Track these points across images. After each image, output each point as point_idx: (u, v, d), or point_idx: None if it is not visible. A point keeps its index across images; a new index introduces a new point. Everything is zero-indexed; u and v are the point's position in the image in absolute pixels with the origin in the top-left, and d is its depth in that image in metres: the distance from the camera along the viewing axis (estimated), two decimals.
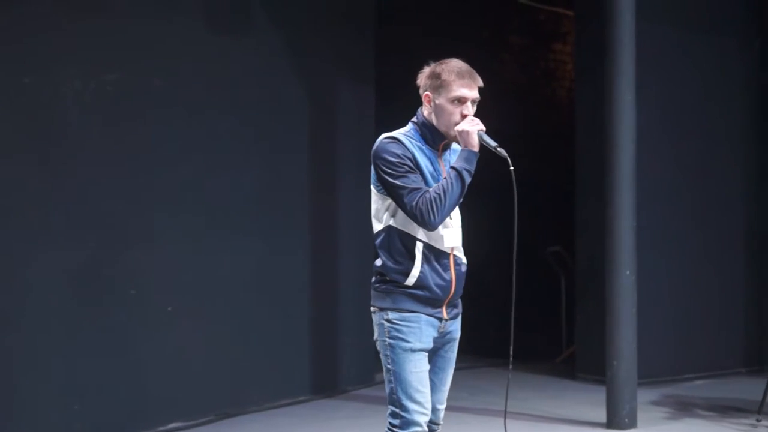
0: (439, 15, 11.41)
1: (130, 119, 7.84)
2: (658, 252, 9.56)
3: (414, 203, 4.52)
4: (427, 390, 4.70)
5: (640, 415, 8.06)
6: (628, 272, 7.94)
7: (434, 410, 4.83)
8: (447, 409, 4.88)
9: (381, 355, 4.74)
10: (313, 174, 9.22)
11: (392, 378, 4.68)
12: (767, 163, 10.46)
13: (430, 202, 4.51)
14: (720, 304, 10.15)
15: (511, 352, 4.89)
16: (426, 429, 4.71)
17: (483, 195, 10.09)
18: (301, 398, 9.05)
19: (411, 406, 4.65)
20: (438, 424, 4.90)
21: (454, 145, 4.83)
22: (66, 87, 7.49)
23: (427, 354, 4.72)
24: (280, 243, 8.91)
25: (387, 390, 4.72)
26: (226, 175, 8.48)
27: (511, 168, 4.63)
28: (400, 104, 10.04)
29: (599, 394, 8.65)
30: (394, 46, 10.38)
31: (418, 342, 4.65)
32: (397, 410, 4.67)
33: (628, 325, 7.96)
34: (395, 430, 4.68)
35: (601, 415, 8.16)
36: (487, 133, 4.68)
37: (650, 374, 9.18)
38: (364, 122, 9.59)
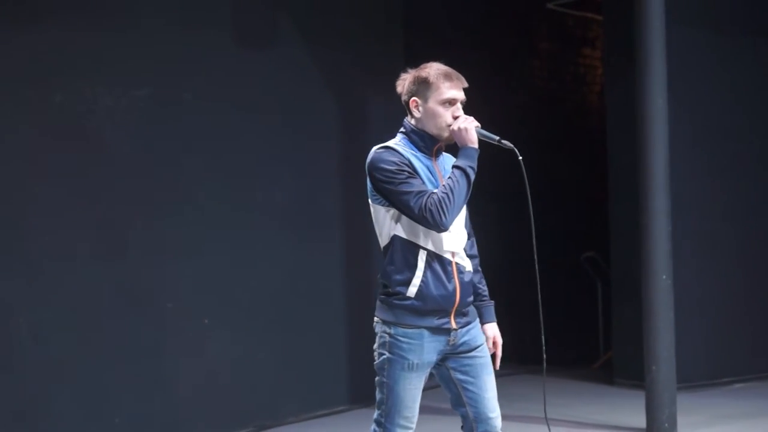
0: (467, 25, 11.39)
1: (162, 133, 7.88)
2: (694, 256, 9.51)
3: (423, 205, 4.47)
4: (417, 406, 4.70)
5: (680, 420, 8.01)
6: (664, 277, 7.90)
7: (486, 419, 4.77)
8: (444, 413, 4.84)
9: (376, 365, 4.75)
10: (345, 184, 9.21)
11: (385, 390, 4.71)
12: None
13: (439, 202, 4.47)
14: (757, 306, 10.09)
15: (544, 356, 4.88)
16: None
17: (511, 200, 10.12)
18: (339, 408, 9.05)
19: (398, 420, 4.68)
20: None
21: (445, 153, 4.81)
22: (97, 104, 7.54)
23: (426, 370, 4.68)
24: (313, 253, 8.91)
25: (377, 398, 4.75)
26: (258, 187, 8.50)
27: (520, 158, 4.62)
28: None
29: (637, 400, 8.60)
30: (422, 57, 10.35)
31: (417, 359, 4.62)
32: (383, 421, 4.71)
33: (666, 330, 7.92)
34: None
35: (641, 421, 8.12)
36: (493, 132, 4.67)
37: (688, 379, 9.13)
38: (394, 130, 9.51)
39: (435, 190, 4.53)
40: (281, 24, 8.74)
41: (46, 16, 7.32)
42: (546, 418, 5.12)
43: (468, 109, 4.73)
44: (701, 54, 9.81)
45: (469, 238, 4.89)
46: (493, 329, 4.91)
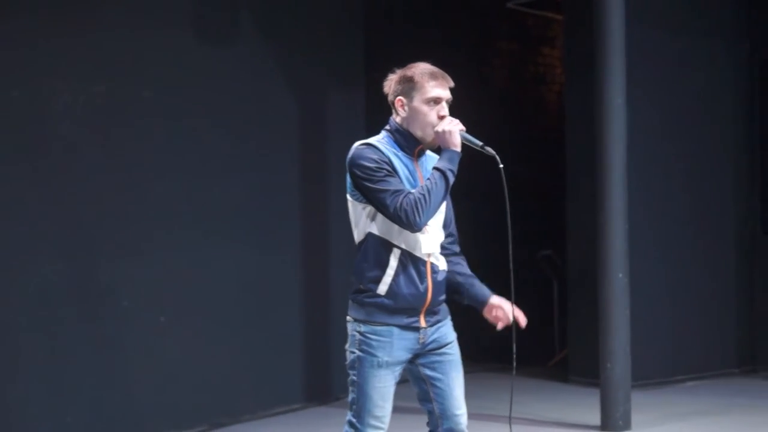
0: (427, 22, 11.43)
1: (121, 131, 7.85)
2: (650, 255, 9.57)
3: (398, 205, 4.49)
4: (388, 405, 4.71)
5: (634, 417, 8.08)
6: (620, 275, 7.97)
7: (451, 416, 4.80)
8: (410, 411, 4.84)
9: (347, 364, 4.75)
10: (303, 182, 9.23)
11: (356, 389, 4.70)
12: (756, 166, 10.49)
13: (415, 202, 4.49)
14: (712, 305, 10.17)
15: (514, 358, 4.86)
16: None
17: (475, 198, 10.14)
18: (294, 406, 9.06)
19: (369, 420, 4.68)
20: None
21: (429, 152, 4.83)
22: (56, 100, 7.50)
23: (398, 368, 4.71)
24: (271, 252, 8.91)
25: (349, 398, 4.74)
26: (216, 185, 8.49)
27: (501, 166, 4.63)
28: (389, 110, 10.04)
29: (592, 397, 8.67)
30: (383, 53, 10.40)
31: (387, 356, 4.65)
32: (355, 421, 4.70)
33: (622, 328, 7.99)
34: None
35: (596, 418, 8.18)
36: (471, 134, 4.69)
37: (643, 376, 9.19)
38: (354, 130, 9.58)
39: (412, 190, 4.55)
40: (241, 22, 8.73)
41: (2, 12, 7.28)
42: (510, 417, 5.10)
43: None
44: (660, 55, 9.87)
45: (451, 237, 4.93)
46: (496, 298, 4.88)
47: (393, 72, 4.78)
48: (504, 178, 4.68)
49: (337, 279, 9.42)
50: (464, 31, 11.97)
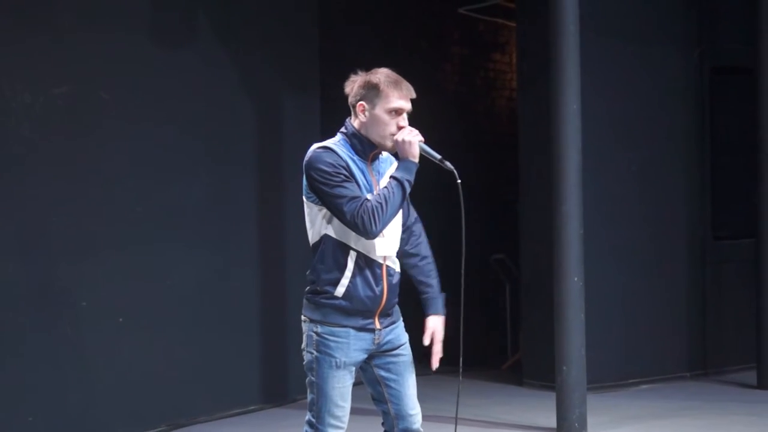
0: (380, 26, 11.48)
1: (79, 132, 7.85)
2: (603, 259, 9.64)
3: (355, 212, 4.52)
4: (347, 405, 4.76)
5: (590, 420, 8.15)
6: (576, 279, 8.04)
7: (406, 416, 4.86)
8: (368, 413, 4.86)
9: (305, 365, 4.78)
10: (259, 184, 9.25)
11: (315, 390, 4.73)
12: (706, 172, 10.61)
13: (372, 210, 4.52)
14: (664, 310, 10.25)
15: (461, 360, 4.91)
16: None
17: (428, 201, 10.19)
18: (252, 407, 9.06)
19: (329, 420, 4.71)
20: None
21: (384, 154, 4.85)
22: (16, 101, 7.48)
23: (353, 369, 4.75)
24: (227, 253, 8.93)
25: (308, 399, 4.76)
26: (173, 187, 8.49)
27: (459, 181, 4.67)
28: (344, 112, 10.06)
29: (546, 400, 8.76)
30: (336, 56, 10.44)
31: (344, 357, 4.69)
32: (315, 422, 4.73)
33: (577, 331, 8.06)
34: None
35: (550, 421, 8.26)
36: (428, 144, 4.72)
37: (597, 380, 9.26)
38: (309, 132, 9.60)
39: (369, 197, 4.58)
40: (198, 25, 8.74)
41: None
42: (456, 427, 5.14)
43: None
44: (612, 61, 9.94)
45: (416, 236, 4.99)
46: (433, 321, 4.93)
47: (356, 74, 4.78)
48: (461, 193, 4.71)
49: (294, 281, 9.43)
50: (416, 36, 12.04)
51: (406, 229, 4.97)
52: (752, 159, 9.80)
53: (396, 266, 4.81)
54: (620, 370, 9.93)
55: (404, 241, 4.95)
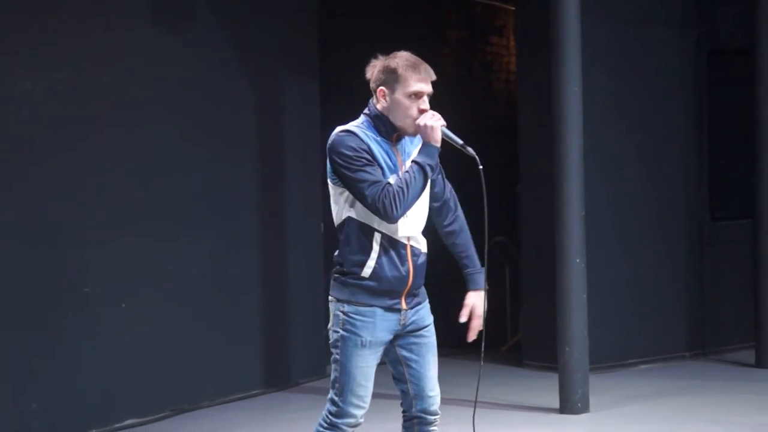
0: (379, 11, 11.47)
1: (80, 117, 7.85)
2: (603, 241, 9.65)
3: (376, 196, 4.54)
4: (370, 385, 4.78)
5: (591, 400, 8.21)
6: (578, 260, 8.09)
7: (426, 397, 4.88)
8: (389, 397, 4.87)
9: (331, 343, 4.80)
10: (260, 169, 9.27)
11: (339, 368, 4.75)
12: (705, 152, 10.64)
13: (394, 195, 4.54)
14: (663, 290, 10.28)
15: (483, 345, 4.89)
16: (360, 421, 4.79)
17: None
18: (254, 392, 9.10)
19: (351, 398, 4.73)
20: (434, 415, 4.92)
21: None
22: (16, 86, 7.49)
23: (380, 348, 4.77)
24: (229, 238, 8.95)
25: (332, 377, 4.79)
26: (174, 172, 8.51)
27: (480, 167, 4.69)
28: (344, 98, 10.08)
29: (547, 381, 8.82)
30: (336, 41, 10.46)
31: (371, 336, 4.72)
32: (337, 399, 4.75)
33: (580, 312, 8.11)
34: (330, 417, 4.77)
35: (552, 401, 8.31)
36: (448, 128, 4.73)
37: (597, 360, 9.28)
38: (308, 115, 9.66)
39: (391, 181, 4.60)
40: (198, 10, 8.75)
41: None
42: (474, 413, 5.11)
43: None
44: (611, 44, 9.94)
45: (452, 211, 4.99)
46: (472, 297, 4.94)
47: (376, 58, 4.78)
48: (483, 179, 4.72)
49: (295, 265, 9.49)
50: (415, 21, 12.04)
51: (444, 204, 4.97)
52: (750, 140, 9.83)
53: (421, 246, 4.83)
54: (620, 350, 9.96)
55: (442, 215, 4.97)
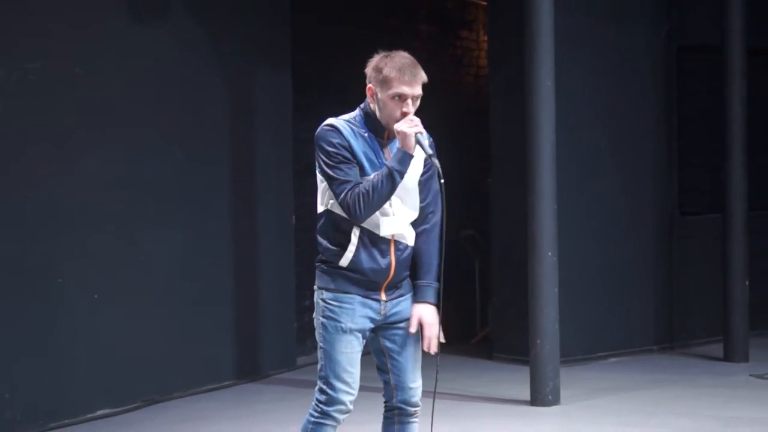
0: (350, 4, 11.47)
1: (53, 107, 7.84)
2: (572, 235, 9.68)
3: (342, 196, 4.62)
4: (356, 371, 4.79)
5: (562, 393, 8.27)
6: (550, 254, 8.14)
7: (405, 389, 4.90)
8: (361, 389, 4.82)
9: (316, 333, 4.84)
10: (232, 161, 9.28)
11: (323, 356, 4.79)
12: (674, 147, 10.70)
13: (358, 197, 4.59)
14: (632, 284, 10.34)
15: (440, 338, 4.89)
16: (350, 408, 4.81)
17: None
18: (225, 383, 9.12)
19: (338, 385, 4.75)
20: (414, 406, 4.93)
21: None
22: None
23: (361, 335, 4.79)
24: (201, 230, 8.97)
25: (318, 366, 4.82)
26: (147, 164, 8.51)
27: (442, 181, 4.70)
28: (316, 93, 10.07)
29: (517, 373, 8.88)
30: (307, 35, 10.45)
31: (350, 323, 4.75)
32: (325, 387, 4.78)
33: (551, 305, 8.16)
34: (320, 405, 4.79)
35: (523, 393, 8.37)
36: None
37: (566, 354, 9.33)
38: (281, 110, 9.66)
39: (361, 181, 4.62)
40: (172, 2, 8.74)
41: None
42: (434, 402, 5.11)
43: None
44: (583, 39, 9.95)
45: (428, 220, 4.91)
46: (418, 309, 4.85)
47: (377, 53, 4.79)
48: (443, 192, 4.73)
49: (266, 257, 9.50)
50: (386, 14, 12.05)
51: (424, 208, 4.89)
52: (719, 136, 9.89)
53: (407, 241, 4.83)
54: (589, 343, 10.01)
55: (418, 219, 4.89)
